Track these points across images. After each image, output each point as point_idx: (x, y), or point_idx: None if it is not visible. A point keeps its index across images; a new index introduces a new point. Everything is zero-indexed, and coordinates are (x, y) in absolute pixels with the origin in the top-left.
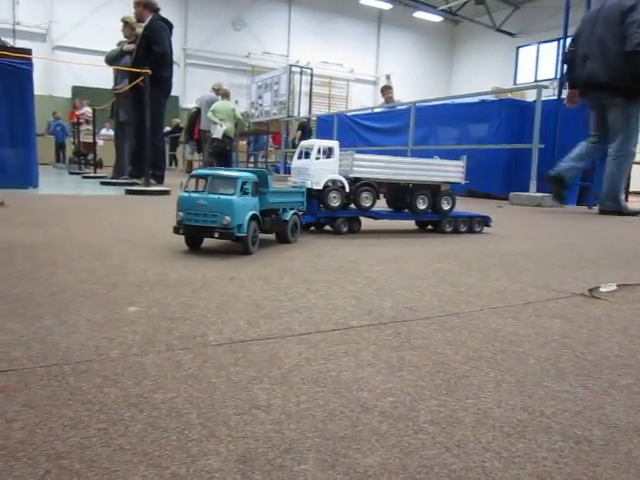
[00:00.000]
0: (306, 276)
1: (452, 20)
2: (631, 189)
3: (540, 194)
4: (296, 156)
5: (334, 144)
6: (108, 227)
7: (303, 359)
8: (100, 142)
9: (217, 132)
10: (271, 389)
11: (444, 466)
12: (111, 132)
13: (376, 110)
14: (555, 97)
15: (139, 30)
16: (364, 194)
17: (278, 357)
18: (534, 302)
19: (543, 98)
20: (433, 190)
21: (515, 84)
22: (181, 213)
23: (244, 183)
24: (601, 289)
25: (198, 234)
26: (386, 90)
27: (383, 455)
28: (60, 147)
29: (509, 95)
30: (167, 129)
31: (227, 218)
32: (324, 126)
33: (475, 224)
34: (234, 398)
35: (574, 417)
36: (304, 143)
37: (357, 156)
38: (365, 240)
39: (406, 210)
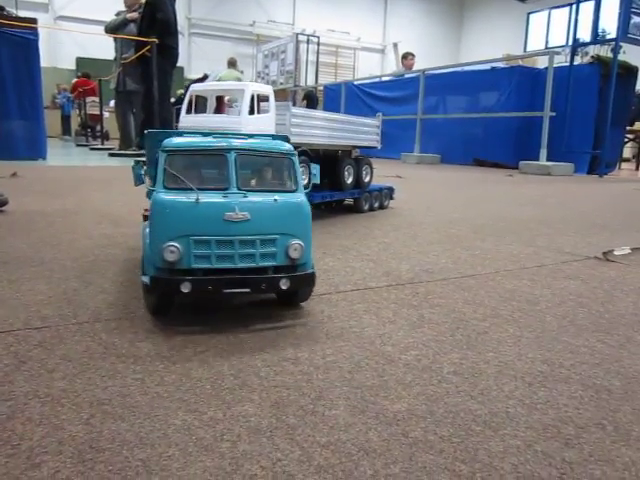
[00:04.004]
0: (321, 241)
1: None
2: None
3: (550, 163)
4: (184, 109)
5: (270, 91)
6: (121, 196)
7: (326, 317)
8: (106, 114)
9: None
10: (297, 344)
11: (469, 412)
12: None
13: (384, 79)
14: (567, 64)
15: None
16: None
17: (301, 315)
18: (549, 265)
19: (555, 65)
20: (353, 158)
21: (525, 51)
22: (177, 245)
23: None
24: (615, 252)
25: (225, 287)
26: (411, 57)
27: (410, 402)
28: (66, 119)
29: (520, 62)
30: (171, 100)
31: (298, 244)
32: (331, 95)
33: (384, 197)
34: (262, 352)
35: (593, 369)
36: (198, 88)
37: (295, 111)
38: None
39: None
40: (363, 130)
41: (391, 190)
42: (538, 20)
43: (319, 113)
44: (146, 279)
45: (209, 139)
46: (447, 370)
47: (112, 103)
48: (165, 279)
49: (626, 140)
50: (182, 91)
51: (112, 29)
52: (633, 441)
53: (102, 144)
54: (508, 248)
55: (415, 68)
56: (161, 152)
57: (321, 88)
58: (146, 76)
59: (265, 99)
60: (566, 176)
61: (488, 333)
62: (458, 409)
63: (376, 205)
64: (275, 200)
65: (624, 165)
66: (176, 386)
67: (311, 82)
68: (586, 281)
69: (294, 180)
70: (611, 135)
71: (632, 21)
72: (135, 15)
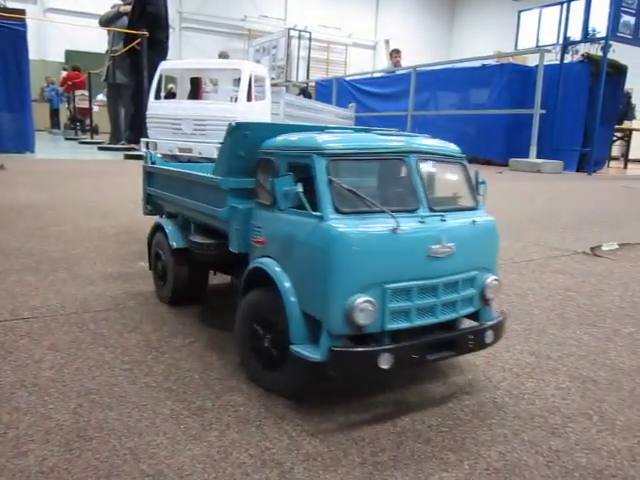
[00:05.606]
0: None
1: None
2: (631, 156)
3: (540, 160)
4: (153, 94)
5: (265, 72)
6: (111, 189)
7: None
8: (95, 108)
9: None
10: None
11: (458, 402)
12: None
13: (376, 75)
14: (557, 62)
15: None
16: None
17: None
18: (537, 259)
19: (545, 63)
20: None
21: (516, 49)
22: (372, 299)
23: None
24: (603, 247)
25: (430, 353)
26: (395, 53)
27: (399, 392)
28: (55, 113)
29: (511, 60)
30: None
31: (496, 281)
32: (322, 91)
33: None
34: None
35: (579, 360)
36: (169, 66)
37: (289, 98)
38: None
39: None
40: (335, 121)
41: None
42: (529, 18)
43: (309, 102)
44: (314, 354)
45: (374, 136)
46: (437, 362)
47: (99, 96)
48: (356, 353)
49: (614, 139)
50: (172, 85)
51: (105, 21)
52: (618, 430)
53: (91, 138)
54: None
55: (406, 64)
56: (317, 156)
57: (312, 84)
58: (135, 69)
59: (260, 83)
60: (555, 173)
61: None
62: (447, 399)
63: None
64: (473, 223)
65: (612, 163)
66: (165, 376)
67: (302, 78)
68: (574, 275)
69: (472, 193)
70: (600, 133)
71: (622, 20)
72: (128, 8)
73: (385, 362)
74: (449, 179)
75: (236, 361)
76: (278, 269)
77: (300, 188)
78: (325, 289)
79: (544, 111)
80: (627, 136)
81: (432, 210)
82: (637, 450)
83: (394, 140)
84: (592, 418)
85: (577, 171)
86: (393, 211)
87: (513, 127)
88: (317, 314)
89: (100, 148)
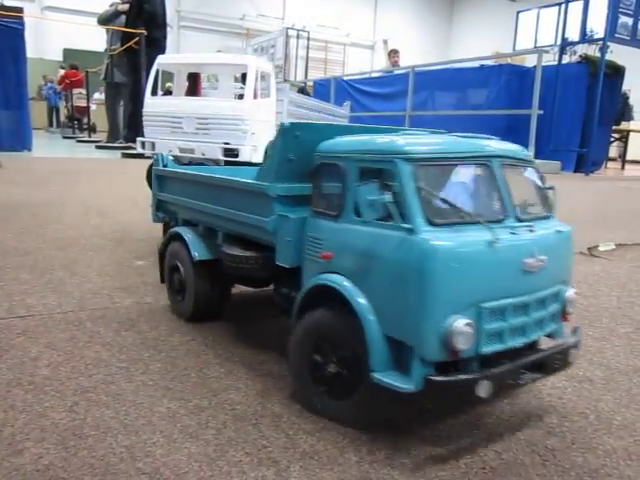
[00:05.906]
0: None
1: None
2: (628, 157)
3: (538, 160)
4: (149, 90)
5: (271, 68)
6: (108, 188)
7: None
8: (93, 106)
9: None
10: (280, 334)
11: (454, 399)
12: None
13: (374, 75)
14: (555, 63)
15: None
16: None
17: None
18: None
19: (543, 63)
20: None
21: (514, 50)
22: (471, 321)
23: None
24: (600, 248)
25: (521, 376)
26: (393, 53)
27: None
28: (53, 111)
29: (509, 60)
30: (159, 93)
31: (575, 294)
32: (321, 91)
33: None
34: (247, 341)
35: (576, 360)
36: (166, 60)
37: (293, 96)
38: None
39: None
40: (332, 119)
41: None
42: (527, 19)
43: (312, 101)
44: (406, 384)
45: (457, 139)
46: None
47: (96, 95)
48: (455, 382)
49: (612, 139)
50: (170, 84)
51: (104, 20)
52: (614, 429)
53: (89, 136)
54: None
55: (405, 64)
56: (401, 161)
57: (310, 83)
58: (133, 68)
59: (266, 80)
60: (553, 174)
61: None
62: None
63: None
64: (559, 233)
65: (610, 164)
66: (161, 374)
67: (300, 77)
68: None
69: (546, 199)
70: (598, 134)
71: (620, 21)
72: (126, 7)
73: (484, 390)
74: (525, 185)
75: (232, 359)
76: (350, 285)
77: (389, 197)
78: (419, 311)
79: (542, 112)
80: (625, 137)
81: (519, 219)
82: (633, 449)
83: (477, 144)
84: (588, 417)
85: (575, 172)
86: (483, 222)
87: (511, 127)
88: (407, 339)
89: (98, 147)
